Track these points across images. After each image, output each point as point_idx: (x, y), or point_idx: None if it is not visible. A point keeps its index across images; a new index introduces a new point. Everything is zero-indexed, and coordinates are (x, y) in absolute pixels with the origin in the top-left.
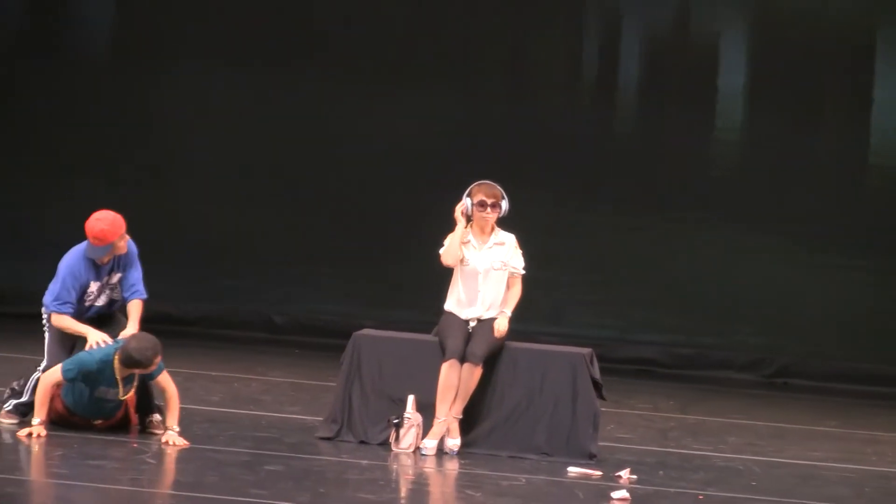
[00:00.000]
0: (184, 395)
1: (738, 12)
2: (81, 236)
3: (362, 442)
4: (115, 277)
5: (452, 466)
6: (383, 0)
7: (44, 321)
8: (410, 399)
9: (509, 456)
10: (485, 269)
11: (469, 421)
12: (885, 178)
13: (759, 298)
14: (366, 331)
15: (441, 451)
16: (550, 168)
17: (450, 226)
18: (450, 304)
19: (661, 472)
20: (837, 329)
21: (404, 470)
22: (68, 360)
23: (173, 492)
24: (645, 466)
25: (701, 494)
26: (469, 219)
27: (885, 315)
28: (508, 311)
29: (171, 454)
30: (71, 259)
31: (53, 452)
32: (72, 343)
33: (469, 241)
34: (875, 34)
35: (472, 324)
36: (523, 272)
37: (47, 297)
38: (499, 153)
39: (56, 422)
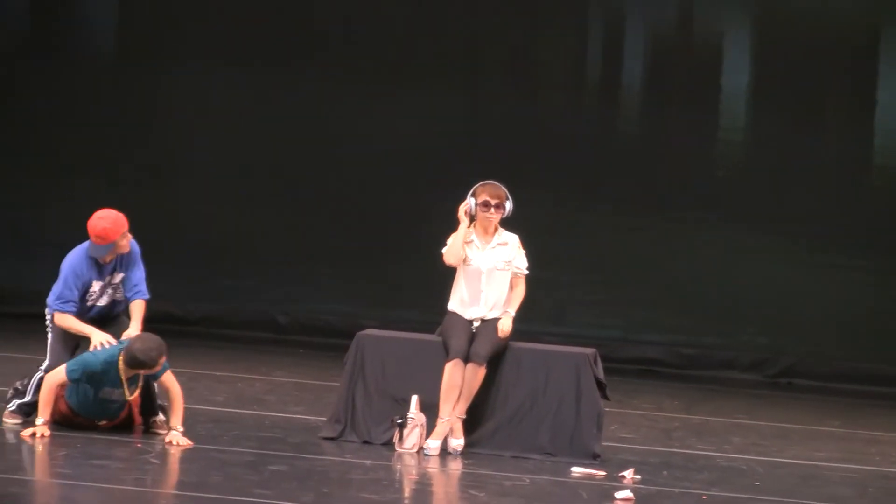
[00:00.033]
0: (187, 395)
1: (742, 12)
2: (82, 236)
3: (366, 442)
4: (118, 277)
5: (456, 466)
6: (385, 0)
7: (47, 321)
8: (414, 399)
9: (513, 456)
10: (488, 269)
11: (473, 421)
12: (887, 178)
13: (763, 298)
14: (369, 331)
15: (445, 452)
16: (553, 168)
17: (453, 225)
18: (453, 304)
19: (664, 473)
20: (841, 329)
21: (408, 470)
22: (72, 361)
23: (177, 492)
24: (648, 466)
25: (704, 494)
26: (472, 218)
27: (888, 315)
28: (512, 312)
29: (174, 454)
30: (73, 258)
31: (57, 452)
32: (75, 343)
33: (472, 241)
34: (879, 35)
35: (476, 324)
36: (527, 272)
37: (50, 297)
38: (502, 153)
39: (60, 422)
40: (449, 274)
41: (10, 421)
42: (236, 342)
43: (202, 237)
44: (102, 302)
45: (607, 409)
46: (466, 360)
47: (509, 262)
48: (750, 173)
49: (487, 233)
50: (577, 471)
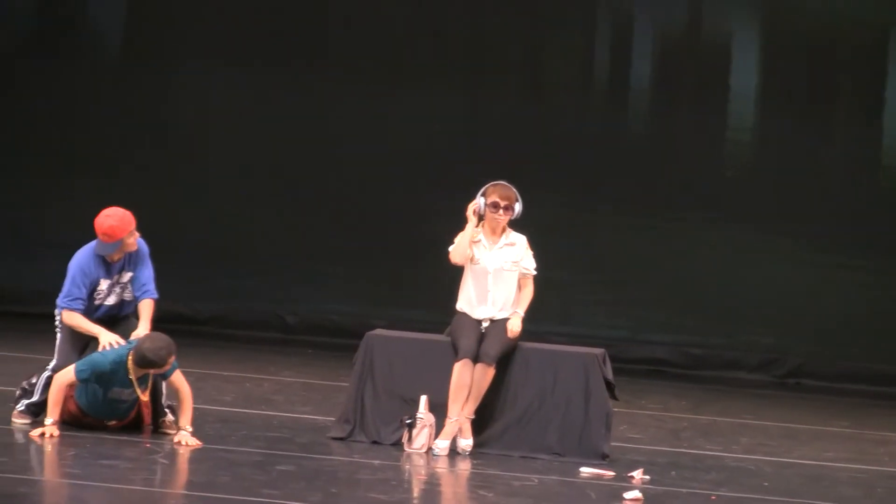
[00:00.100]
0: (196, 395)
1: (750, 13)
2: (86, 236)
3: (374, 442)
4: (126, 276)
5: (465, 466)
6: (394, 0)
7: (56, 321)
8: (423, 399)
9: (521, 456)
10: (495, 269)
11: (481, 421)
12: (895, 179)
13: (771, 299)
14: (378, 331)
15: (453, 452)
16: (561, 168)
17: (461, 225)
18: (461, 304)
19: (673, 473)
20: (849, 330)
21: (416, 470)
22: (81, 361)
23: (186, 492)
24: (657, 466)
25: (713, 495)
26: (481, 218)
27: None
28: (521, 312)
29: (183, 454)
30: (81, 256)
31: (66, 452)
32: (83, 343)
33: (480, 241)
34: (887, 35)
35: (485, 324)
36: (535, 273)
37: (59, 296)
38: (510, 153)
39: (69, 422)
40: (457, 274)
41: (19, 421)
42: (245, 342)
43: (211, 237)
44: (110, 301)
45: (615, 410)
46: (476, 360)
47: (517, 262)
48: (758, 174)
49: (495, 233)
50: (585, 471)
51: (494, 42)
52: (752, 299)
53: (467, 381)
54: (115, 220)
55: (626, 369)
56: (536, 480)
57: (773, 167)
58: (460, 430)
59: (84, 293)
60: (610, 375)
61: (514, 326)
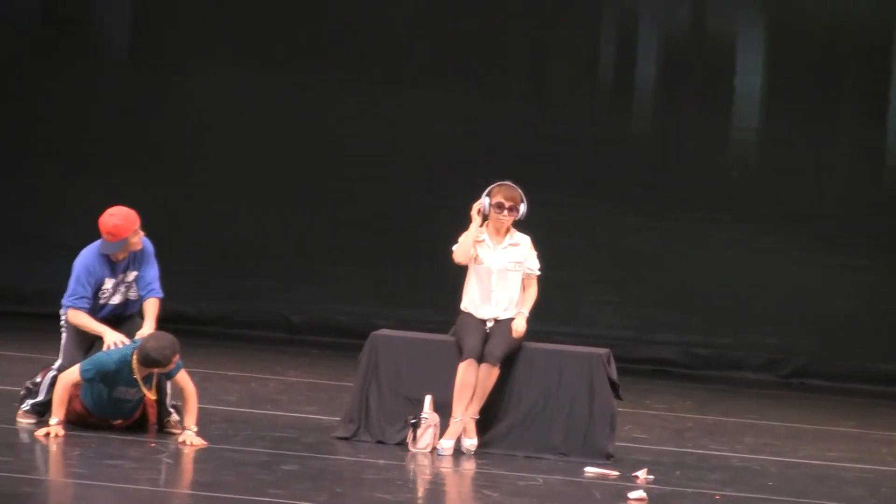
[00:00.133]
0: (201, 394)
1: (755, 13)
2: (92, 236)
3: (379, 442)
4: (131, 275)
5: (469, 466)
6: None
7: (62, 320)
8: (428, 399)
9: (526, 456)
10: (498, 269)
11: (486, 421)
12: None
13: (776, 299)
14: (383, 331)
15: (458, 451)
16: (566, 168)
17: (466, 225)
18: (465, 304)
19: (677, 473)
20: (853, 329)
21: (421, 470)
22: (86, 361)
23: (191, 491)
24: (662, 466)
25: (717, 494)
26: (485, 217)
27: None
28: (526, 312)
29: (188, 454)
30: (86, 255)
31: (71, 452)
32: (89, 343)
33: (483, 241)
34: (891, 35)
35: (490, 324)
36: (539, 273)
37: (64, 296)
38: (515, 153)
39: (74, 422)
40: (462, 274)
41: (24, 421)
42: (250, 342)
43: (216, 238)
44: (115, 300)
45: (620, 410)
46: (480, 360)
47: (520, 262)
48: (763, 174)
49: (500, 233)
50: (590, 471)
51: (499, 42)
52: (757, 299)
53: (472, 380)
54: (119, 218)
55: (631, 369)
56: (541, 480)
57: (778, 168)
58: (465, 429)
59: (89, 292)
60: (614, 375)
61: (519, 326)
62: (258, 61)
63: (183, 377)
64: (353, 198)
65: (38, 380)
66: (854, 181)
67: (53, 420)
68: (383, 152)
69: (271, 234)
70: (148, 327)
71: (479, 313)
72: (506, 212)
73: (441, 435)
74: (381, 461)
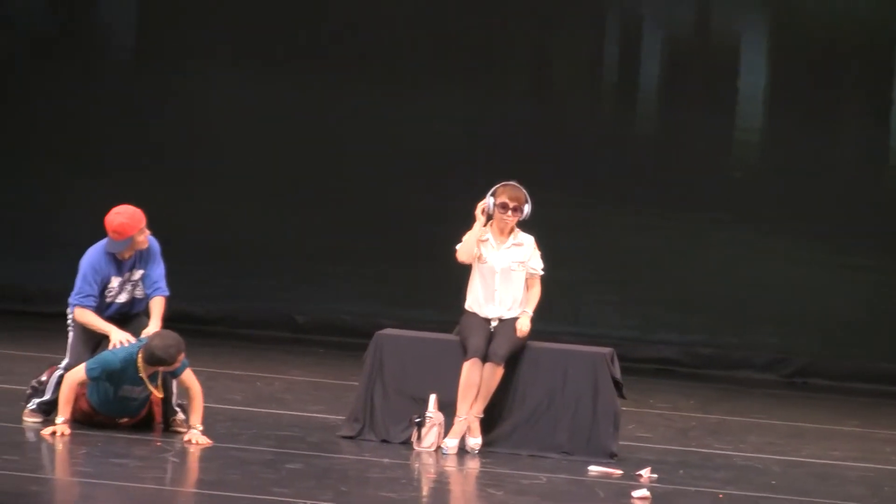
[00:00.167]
0: (206, 393)
1: (758, 14)
2: (97, 236)
3: (384, 441)
4: (137, 274)
5: (474, 465)
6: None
7: (68, 319)
8: (432, 398)
9: (530, 455)
10: (502, 269)
11: (490, 420)
12: None
13: (779, 298)
14: (388, 330)
15: (462, 450)
16: (570, 169)
17: (471, 225)
18: (470, 303)
19: (681, 471)
20: (857, 329)
21: (426, 469)
22: (92, 360)
23: (196, 490)
24: (665, 465)
25: (721, 493)
26: (489, 217)
27: None
28: (530, 311)
29: (194, 453)
30: (92, 254)
31: (77, 451)
32: (95, 342)
33: (487, 240)
34: (894, 35)
35: (494, 323)
36: (542, 273)
37: (71, 294)
38: (519, 154)
39: (80, 420)
40: (467, 273)
41: (31, 419)
42: (255, 341)
43: (221, 237)
44: (122, 299)
45: (624, 409)
46: (485, 359)
47: (524, 262)
48: (766, 174)
49: (503, 233)
50: (594, 470)
51: (503, 42)
52: (760, 299)
53: (476, 380)
54: (125, 217)
55: (635, 368)
56: (545, 479)
57: (781, 168)
58: (469, 428)
59: (95, 290)
60: (618, 375)
61: (524, 326)
62: (258, 61)
63: (188, 376)
64: (355, 198)
65: (44, 379)
66: (857, 181)
67: (59, 419)
68: (388, 152)
69: (276, 234)
70: (154, 326)
71: (483, 312)
72: (510, 212)
73: (445, 434)
74: (386, 460)
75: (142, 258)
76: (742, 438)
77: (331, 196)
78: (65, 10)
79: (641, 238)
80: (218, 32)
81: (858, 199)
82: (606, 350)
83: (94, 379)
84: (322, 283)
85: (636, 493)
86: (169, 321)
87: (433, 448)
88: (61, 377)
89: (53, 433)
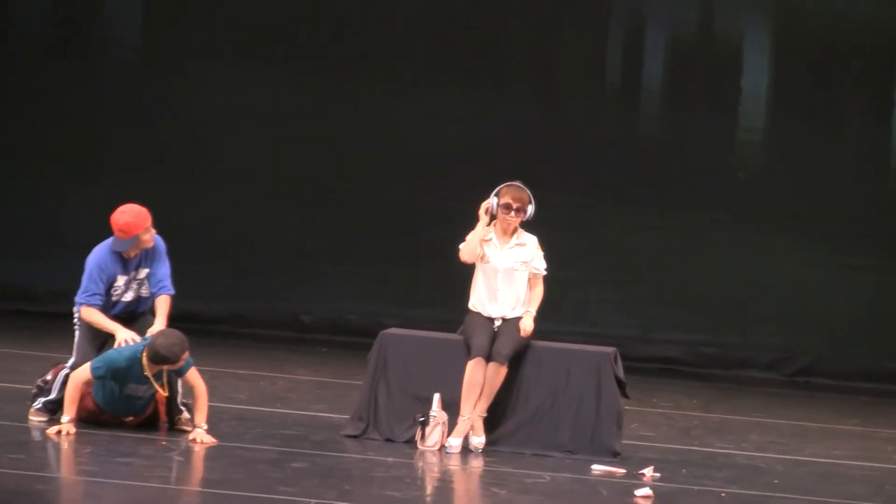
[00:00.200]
0: (211, 393)
1: (761, 14)
2: (102, 235)
3: (388, 440)
4: (143, 273)
5: (477, 464)
6: (410, 2)
7: (75, 318)
8: (436, 397)
9: (533, 454)
10: (504, 269)
11: (494, 419)
12: None
13: (782, 298)
14: (392, 330)
15: (466, 449)
16: (574, 169)
17: (474, 225)
18: (473, 303)
19: (683, 470)
20: (859, 329)
21: (429, 467)
22: (97, 359)
23: (201, 489)
24: (668, 464)
25: (723, 492)
26: (493, 217)
27: None
28: (533, 311)
29: (198, 452)
30: (98, 253)
31: (83, 450)
32: (101, 341)
33: (491, 240)
34: None
35: (498, 323)
36: (544, 273)
37: (77, 293)
38: (523, 154)
39: (86, 419)
40: (469, 273)
41: (36, 419)
42: (259, 341)
43: (227, 236)
44: (128, 297)
45: (627, 408)
46: (488, 358)
47: (526, 262)
48: (769, 174)
49: (507, 233)
50: (597, 468)
51: (506, 43)
52: (763, 299)
53: (480, 379)
54: (130, 216)
55: (638, 368)
56: (548, 478)
57: (784, 168)
58: (473, 427)
59: (102, 289)
60: (621, 374)
61: (527, 325)
62: (258, 61)
63: (193, 375)
64: (356, 197)
65: (49, 378)
66: (858, 181)
67: (65, 418)
68: (392, 153)
69: (282, 234)
70: (159, 324)
71: (487, 312)
72: (513, 213)
73: (449, 433)
74: (390, 459)
75: (147, 257)
76: (744, 437)
77: (332, 195)
78: (68, 11)
79: (644, 238)
80: (218, 32)
81: (859, 199)
82: (609, 349)
83: (99, 378)
84: (326, 283)
85: (639, 492)
86: (174, 321)
87: (437, 447)
88: (67, 376)
89: (59, 432)
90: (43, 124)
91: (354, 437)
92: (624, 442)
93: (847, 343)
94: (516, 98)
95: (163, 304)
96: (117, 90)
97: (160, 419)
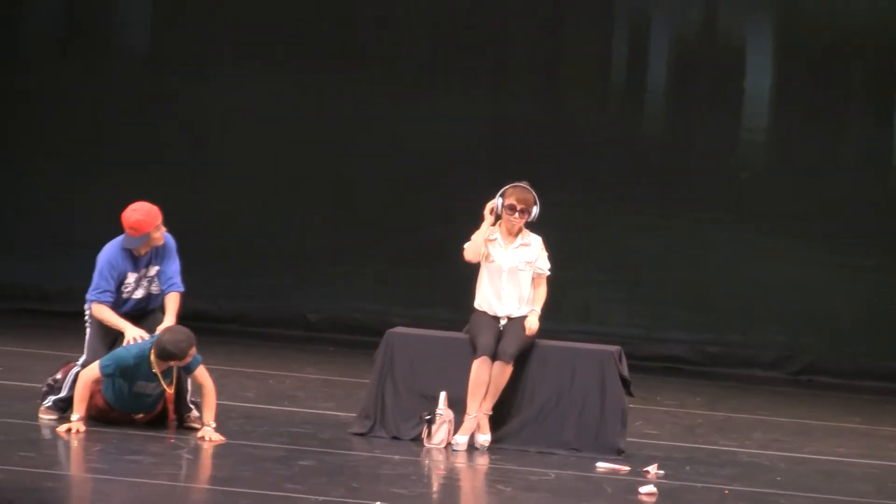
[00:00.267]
0: (219, 391)
1: (765, 15)
2: (112, 235)
3: (395, 438)
4: (153, 270)
5: (483, 462)
6: (414, 2)
7: (86, 316)
8: (442, 396)
9: (539, 451)
10: (509, 268)
11: (499, 417)
12: None
13: (785, 297)
14: (399, 328)
15: (472, 447)
16: (579, 168)
17: (480, 225)
18: (478, 302)
19: (687, 468)
20: (861, 327)
21: (436, 465)
22: (106, 357)
23: (209, 486)
24: (672, 462)
25: (727, 489)
26: (498, 217)
27: None
28: (538, 310)
29: (207, 449)
30: (108, 250)
31: (92, 448)
32: (112, 339)
33: (495, 240)
34: None
35: (503, 322)
36: (549, 273)
37: (88, 290)
38: (528, 154)
39: (96, 417)
40: (474, 272)
41: (46, 417)
42: (267, 339)
43: (235, 235)
44: (138, 295)
45: (631, 406)
46: (494, 357)
47: (531, 262)
48: (772, 174)
49: (511, 234)
50: (601, 466)
51: (507, 43)
52: (767, 298)
53: (485, 378)
54: (141, 214)
55: (643, 366)
56: (553, 475)
57: (787, 168)
58: (479, 425)
59: (112, 286)
60: (626, 372)
61: (532, 324)
62: (258, 61)
63: (202, 373)
64: (359, 197)
65: (59, 376)
66: (860, 181)
67: (75, 416)
68: (399, 153)
69: (290, 234)
70: (168, 321)
71: (493, 311)
72: (517, 214)
73: (455, 431)
74: (397, 457)
75: (157, 254)
76: (748, 435)
77: (335, 195)
78: (74, 11)
79: (649, 237)
80: (218, 32)
81: (861, 200)
82: (614, 348)
83: (108, 376)
84: (334, 282)
85: (643, 489)
86: (183, 319)
87: (443, 445)
88: (77, 374)
89: (69, 430)
90: (44, 124)
91: (361, 434)
92: (628, 440)
93: (848, 343)
94: (517, 98)
95: (172, 302)
96: (118, 90)
97: (169, 417)
